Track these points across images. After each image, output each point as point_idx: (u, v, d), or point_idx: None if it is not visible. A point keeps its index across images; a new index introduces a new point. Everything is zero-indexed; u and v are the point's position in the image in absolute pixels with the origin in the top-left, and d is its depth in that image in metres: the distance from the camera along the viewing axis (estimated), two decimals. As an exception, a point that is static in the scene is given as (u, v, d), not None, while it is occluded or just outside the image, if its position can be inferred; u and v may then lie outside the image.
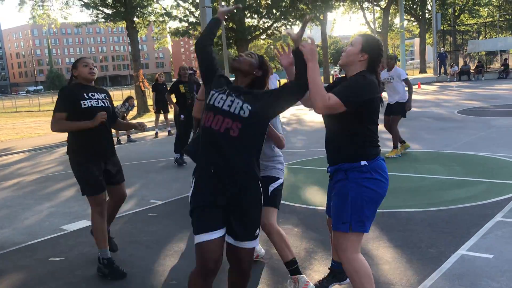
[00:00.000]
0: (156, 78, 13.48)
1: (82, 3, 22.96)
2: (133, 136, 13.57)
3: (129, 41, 23.69)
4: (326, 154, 2.98)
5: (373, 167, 2.76)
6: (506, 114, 12.49)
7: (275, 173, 3.54)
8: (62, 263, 4.41)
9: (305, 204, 5.76)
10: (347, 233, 2.76)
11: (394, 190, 5.97)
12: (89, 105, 3.91)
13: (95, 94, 4.03)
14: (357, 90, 2.69)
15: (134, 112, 20.18)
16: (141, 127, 4.30)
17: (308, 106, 2.99)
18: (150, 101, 18.29)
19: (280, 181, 3.55)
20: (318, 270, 3.84)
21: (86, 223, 5.64)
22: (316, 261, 4.03)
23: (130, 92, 29.12)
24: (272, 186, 3.49)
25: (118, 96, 38.20)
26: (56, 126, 3.95)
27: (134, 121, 17.99)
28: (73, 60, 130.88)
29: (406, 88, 8.16)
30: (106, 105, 4.05)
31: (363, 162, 2.74)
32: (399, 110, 8.18)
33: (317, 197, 6.00)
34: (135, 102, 15.75)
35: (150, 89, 15.32)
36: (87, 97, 3.93)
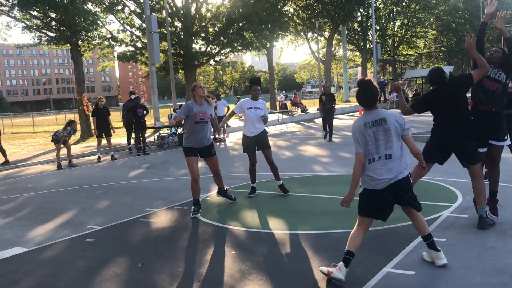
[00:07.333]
0: (97, 102, 13.38)
1: (24, 25, 22.35)
2: (74, 161, 13.28)
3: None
4: None
5: None
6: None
7: None
8: (-9, 291, 4.28)
9: (244, 227, 5.87)
10: None
11: (328, 212, 6.23)
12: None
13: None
14: None
15: (77, 136, 19.70)
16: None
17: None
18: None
19: None
20: (252, 290, 3.94)
21: (19, 249, 5.50)
22: (251, 281, 4.14)
23: (73, 116, 28.42)
24: None
25: (61, 120, 37.19)
26: None
27: (75, 145, 17.59)
28: (14, 82, 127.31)
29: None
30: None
31: None
32: None
33: (255, 220, 6.14)
34: (78, 126, 15.47)
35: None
36: None
